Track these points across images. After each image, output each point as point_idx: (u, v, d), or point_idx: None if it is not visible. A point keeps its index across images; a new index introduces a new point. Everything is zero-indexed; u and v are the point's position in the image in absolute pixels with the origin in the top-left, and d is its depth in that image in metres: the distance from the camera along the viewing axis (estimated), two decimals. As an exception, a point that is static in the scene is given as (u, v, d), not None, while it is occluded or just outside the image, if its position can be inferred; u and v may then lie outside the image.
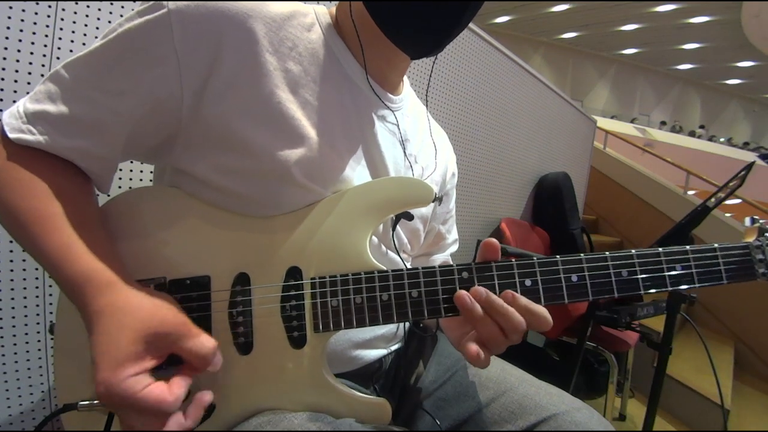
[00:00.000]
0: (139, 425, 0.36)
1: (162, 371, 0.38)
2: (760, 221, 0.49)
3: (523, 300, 0.43)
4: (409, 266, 0.58)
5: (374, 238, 0.54)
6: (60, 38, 0.70)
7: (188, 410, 0.39)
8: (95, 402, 0.43)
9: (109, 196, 0.50)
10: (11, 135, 0.42)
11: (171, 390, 0.37)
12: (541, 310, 0.43)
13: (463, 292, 0.43)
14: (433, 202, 0.50)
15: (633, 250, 0.46)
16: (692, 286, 0.45)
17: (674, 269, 0.45)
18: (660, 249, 0.46)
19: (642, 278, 0.45)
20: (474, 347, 0.43)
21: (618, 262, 0.45)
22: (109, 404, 0.36)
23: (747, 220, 0.50)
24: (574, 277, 0.45)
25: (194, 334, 0.39)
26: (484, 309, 0.43)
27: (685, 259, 0.46)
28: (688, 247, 0.46)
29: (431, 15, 0.47)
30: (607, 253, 0.45)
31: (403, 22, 0.48)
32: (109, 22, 0.74)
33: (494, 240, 0.45)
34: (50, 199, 0.41)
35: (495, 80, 1.72)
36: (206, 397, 0.40)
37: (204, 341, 0.39)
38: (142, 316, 0.38)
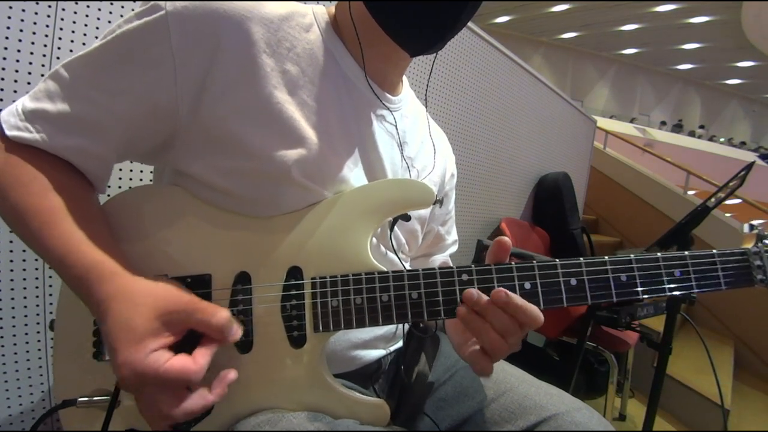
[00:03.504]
0: (163, 403, 0.37)
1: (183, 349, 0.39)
2: (759, 228, 0.49)
3: (518, 299, 0.42)
4: (408, 267, 0.58)
5: (373, 239, 0.54)
6: (60, 38, 0.70)
7: (213, 385, 0.40)
8: (94, 398, 0.43)
9: (109, 196, 0.50)
10: (9, 133, 0.42)
11: (195, 360, 0.37)
12: (532, 308, 0.42)
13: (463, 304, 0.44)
14: (433, 204, 0.50)
15: (632, 255, 0.46)
16: (691, 291, 0.45)
17: (673, 275, 0.46)
18: (659, 254, 0.46)
19: (640, 283, 0.45)
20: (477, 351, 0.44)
21: (617, 267, 0.45)
22: (133, 386, 0.37)
23: (746, 227, 0.51)
24: (573, 281, 0.45)
25: (207, 306, 0.40)
26: (479, 312, 0.42)
27: (684, 265, 0.46)
28: (686, 252, 0.46)
29: (432, 12, 0.47)
30: (606, 257, 0.45)
31: (404, 19, 0.48)
32: (109, 22, 0.74)
33: (507, 239, 0.45)
34: (51, 195, 0.41)
35: (495, 80, 1.72)
36: (231, 374, 0.41)
37: (218, 311, 0.40)
38: (153, 296, 0.38)
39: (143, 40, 0.42)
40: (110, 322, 0.37)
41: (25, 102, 0.43)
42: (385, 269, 0.47)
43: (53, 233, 0.40)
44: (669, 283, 0.45)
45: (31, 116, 0.42)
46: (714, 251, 0.47)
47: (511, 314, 0.42)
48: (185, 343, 0.39)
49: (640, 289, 0.45)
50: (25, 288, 0.71)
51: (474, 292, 0.43)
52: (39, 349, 0.73)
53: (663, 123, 13.75)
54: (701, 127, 14.76)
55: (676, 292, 0.45)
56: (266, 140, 0.45)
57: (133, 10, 0.44)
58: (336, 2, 0.55)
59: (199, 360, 0.38)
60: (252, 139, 0.45)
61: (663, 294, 0.45)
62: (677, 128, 13.23)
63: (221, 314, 0.40)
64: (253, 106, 0.45)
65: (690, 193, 3.67)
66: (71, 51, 0.71)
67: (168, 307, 0.38)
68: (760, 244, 0.48)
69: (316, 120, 0.48)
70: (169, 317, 0.38)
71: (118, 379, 0.36)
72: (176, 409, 0.37)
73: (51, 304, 0.74)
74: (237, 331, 0.41)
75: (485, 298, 0.42)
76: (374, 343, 0.57)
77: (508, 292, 0.42)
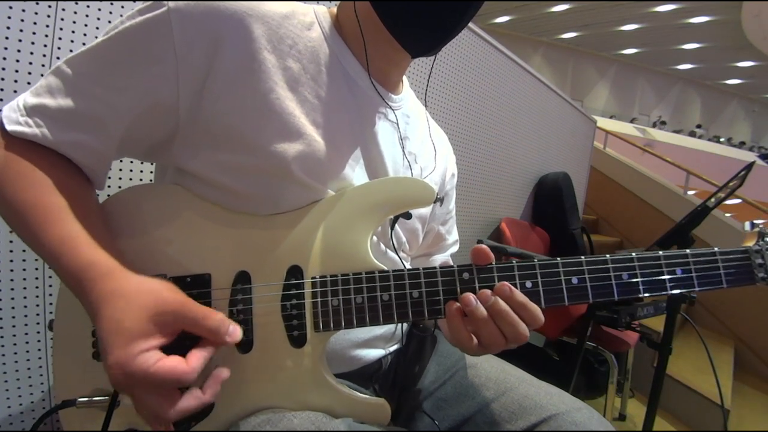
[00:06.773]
0: (155, 404, 0.36)
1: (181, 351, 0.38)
2: (760, 226, 0.49)
3: (521, 296, 0.43)
4: (408, 266, 0.58)
5: (373, 237, 0.54)
6: (60, 38, 0.70)
7: (206, 384, 0.39)
8: (94, 399, 0.43)
9: (109, 196, 0.50)
10: (8, 127, 0.42)
11: (187, 362, 0.37)
12: (534, 307, 0.43)
13: (470, 294, 0.43)
14: (434, 203, 0.50)
15: (633, 253, 0.46)
16: (692, 290, 0.45)
17: (674, 273, 0.46)
18: (660, 252, 0.46)
19: (642, 281, 0.45)
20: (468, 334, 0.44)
21: (618, 265, 0.45)
22: (124, 387, 0.36)
23: (747, 225, 0.51)
24: (575, 280, 0.45)
25: (198, 308, 0.39)
26: (489, 313, 0.43)
27: (685, 263, 0.46)
28: (688, 251, 0.46)
29: (438, 13, 0.48)
30: (607, 256, 0.45)
31: (410, 20, 0.48)
32: (109, 21, 0.74)
33: (483, 246, 0.45)
34: (49, 191, 0.41)
35: (495, 80, 1.72)
36: (224, 372, 0.41)
37: (209, 314, 0.39)
38: (145, 297, 0.38)
39: (146, 36, 0.42)
40: (102, 323, 0.37)
41: (27, 97, 0.43)
42: (386, 268, 0.47)
43: (50, 232, 0.40)
44: (671, 282, 0.45)
45: (32, 111, 0.42)
46: (715, 249, 0.47)
47: (515, 310, 0.42)
48: (183, 346, 0.39)
49: (641, 287, 0.45)
50: (24, 288, 0.71)
51: (489, 293, 0.43)
52: (39, 349, 0.73)
53: (663, 123, 13.73)
54: (699, 126, 14.74)
55: (678, 290, 0.45)
56: (267, 136, 0.45)
57: (133, 9, 0.44)
58: (338, 2, 0.55)
59: (191, 362, 0.37)
60: (252, 134, 0.45)
61: (665, 292, 0.45)
62: (661, 125, 13.17)
63: (213, 316, 0.39)
64: (253, 103, 0.45)
65: (690, 193, 3.67)
66: (71, 51, 0.71)
67: (160, 307, 0.37)
68: (761, 242, 0.48)
69: (317, 117, 0.49)
70: (160, 318, 0.37)
71: (110, 379, 0.36)
72: (169, 410, 0.37)
73: (51, 303, 0.74)
74: (234, 332, 0.40)
75: (500, 301, 0.43)
76: (374, 342, 0.57)
77: (512, 287, 0.43)
